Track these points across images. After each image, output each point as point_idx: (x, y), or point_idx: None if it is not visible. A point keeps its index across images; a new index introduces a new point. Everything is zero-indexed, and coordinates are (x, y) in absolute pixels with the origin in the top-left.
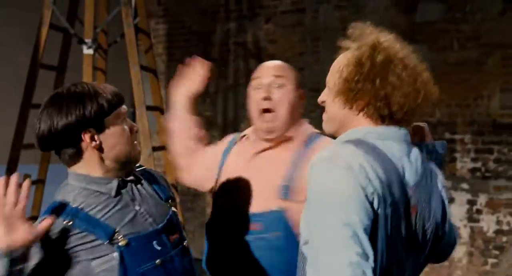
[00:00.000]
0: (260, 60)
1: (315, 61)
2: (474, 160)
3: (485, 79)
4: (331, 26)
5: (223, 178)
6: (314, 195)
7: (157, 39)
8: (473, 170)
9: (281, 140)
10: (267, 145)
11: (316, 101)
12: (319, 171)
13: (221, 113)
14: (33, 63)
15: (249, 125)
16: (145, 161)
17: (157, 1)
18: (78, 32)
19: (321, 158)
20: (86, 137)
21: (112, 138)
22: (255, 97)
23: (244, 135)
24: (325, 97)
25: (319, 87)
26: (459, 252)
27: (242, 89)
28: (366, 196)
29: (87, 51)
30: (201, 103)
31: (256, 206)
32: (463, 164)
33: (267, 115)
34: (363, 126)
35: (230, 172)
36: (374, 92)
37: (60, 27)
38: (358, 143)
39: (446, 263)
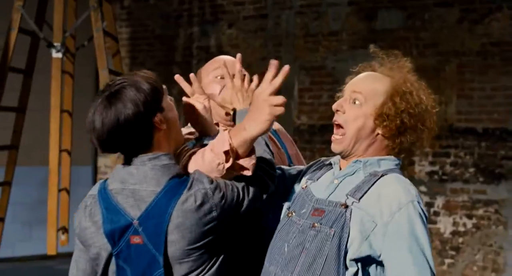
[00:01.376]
0: None
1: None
2: (431, 163)
3: (442, 86)
4: (293, 32)
5: None
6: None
7: (121, 42)
8: (430, 173)
9: None
10: None
11: None
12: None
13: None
14: (2, 66)
15: None
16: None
17: (120, 5)
18: (46, 35)
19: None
20: (157, 120)
21: (172, 118)
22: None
23: None
24: (347, 108)
25: (280, 90)
26: None
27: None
28: None
29: (56, 54)
30: None
31: None
32: (421, 167)
33: None
34: (393, 157)
35: None
36: (414, 130)
37: (29, 30)
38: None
39: None
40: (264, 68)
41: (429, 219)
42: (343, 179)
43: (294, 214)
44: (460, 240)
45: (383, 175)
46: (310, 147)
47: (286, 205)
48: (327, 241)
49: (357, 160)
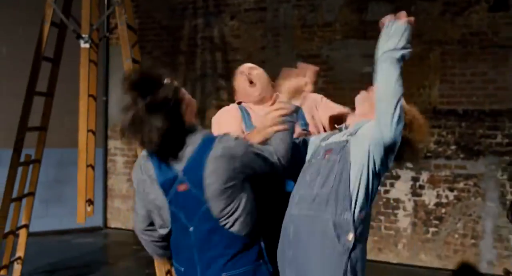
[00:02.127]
0: (226, 53)
1: (276, 55)
2: None
3: (426, 72)
4: (290, 23)
5: None
6: None
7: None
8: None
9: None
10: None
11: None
12: None
13: None
14: (37, 56)
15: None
16: None
17: None
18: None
19: None
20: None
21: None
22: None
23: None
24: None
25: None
26: (404, 222)
27: (209, 79)
28: None
29: (84, 45)
30: None
31: None
32: None
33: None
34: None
35: None
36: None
37: (57, 23)
38: None
39: (392, 232)
40: (263, 56)
41: (415, 192)
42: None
43: (312, 160)
44: (443, 210)
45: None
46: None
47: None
48: (335, 163)
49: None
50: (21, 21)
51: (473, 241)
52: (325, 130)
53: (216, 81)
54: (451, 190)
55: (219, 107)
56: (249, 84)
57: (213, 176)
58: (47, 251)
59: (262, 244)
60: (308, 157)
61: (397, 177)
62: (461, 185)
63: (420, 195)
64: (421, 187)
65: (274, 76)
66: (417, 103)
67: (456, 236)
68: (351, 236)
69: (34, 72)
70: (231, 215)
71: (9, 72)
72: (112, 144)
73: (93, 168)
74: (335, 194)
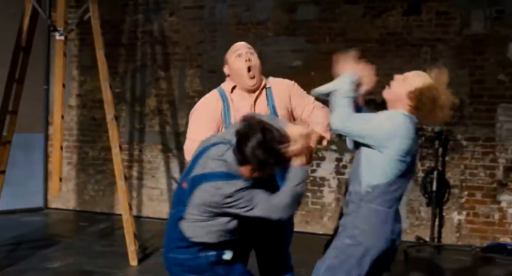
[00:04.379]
0: (165, 46)
1: (212, 49)
2: None
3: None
4: (226, 20)
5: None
6: None
7: (72, 26)
8: (339, 135)
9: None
10: (253, 94)
11: (213, 80)
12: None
13: (130, 90)
14: (17, 47)
15: (152, 101)
16: (110, 125)
17: None
18: (45, 21)
19: None
20: None
21: None
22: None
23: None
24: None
25: (215, 69)
26: (329, 198)
27: (149, 69)
28: None
29: (59, 37)
30: (112, 81)
31: None
32: None
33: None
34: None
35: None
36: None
37: (32, 16)
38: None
39: (319, 206)
40: (201, 50)
41: (338, 171)
42: None
43: None
44: None
45: None
46: None
47: None
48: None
49: None
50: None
51: None
52: (294, 119)
53: (156, 71)
54: None
55: (158, 96)
56: (247, 72)
57: (199, 197)
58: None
59: (221, 253)
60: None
61: (323, 158)
62: None
63: (343, 174)
64: (344, 166)
65: (210, 67)
66: None
67: None
68: (361, 207)
69: (14, 61)
70: (192, 222)
71: None
72: (52, 129)
73: (62, 148)
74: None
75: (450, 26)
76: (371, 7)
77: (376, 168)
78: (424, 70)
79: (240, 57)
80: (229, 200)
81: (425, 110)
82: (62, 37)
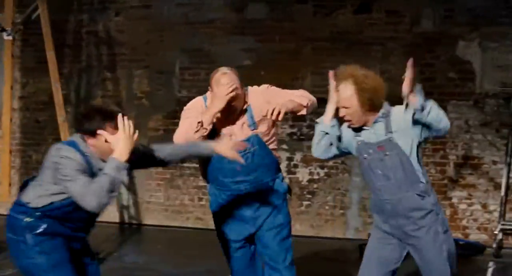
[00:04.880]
0: (111, 47)
1: (160, 49)
2: (291, 126)
3: (300, 65)
4: (173, 20)
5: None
6: None
7: (19, 25)
8: (291, 134)
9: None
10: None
11: (161, 80)
12: None
13: (75, 92)
14: None
15: (99, 102)
16: (62, 127)
17: None
18: None
19: None
20: None
21: None
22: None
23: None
24: (347, 112)
25: (163, 70)
26: None
27: (94, 70)
28: None
29: (7, 37)
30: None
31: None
32: (283, 129)
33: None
34: (381, 110)
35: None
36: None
37: None
38: None
39: None
40: (148, 50)
41: (290, 171)
42: (374, 126)
43: (366, 157)
44: (315, 186)
45: (391, 112)
46: None
47: (356, 153)
48: (396, 157)
49: (376, 119)
50: None
51: (341, 211)
52: (274, 124)
53: (102, 72)
54: (322, 168)
55: (105, 97)
56: (231, 103)
57: (46, 158)
58: None
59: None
60: (355, 153)
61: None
62: (330, 163)
63: (295, 173)
64: (295, 166)
65: (158, 67)
66: None
67: (327, 207)
68: (429, 196)
69: None
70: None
71: None
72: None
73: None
74: (407, 177)
75: (400, 25)
76: (321, 5)
77: None
78: (375, 69)
79: (225, 87)
80: (61, 160)
81: (377, 99)
82: (10, 37)
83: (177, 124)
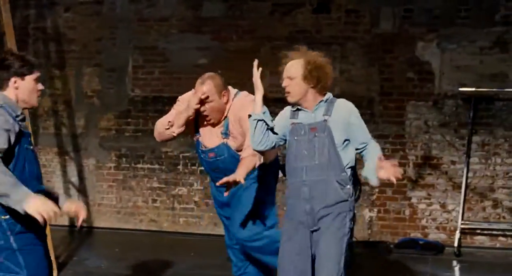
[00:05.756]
0: (60, 43)
1: (112, 46)
2: None
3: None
4: (126, 16)
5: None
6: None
7: None
8: None
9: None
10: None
11: (113, 79)
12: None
13: None
14: None
15: (47, 101)
16: None
17: None
18: None
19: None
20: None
21: None
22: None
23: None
24: (290, 83)
25: (115, 67)
26: None
27: (42, 68)
28: None
29: None
30: None
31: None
32: None
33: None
34: (327, 94)
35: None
36: (323, 78)
37: None
38: None
39: None
40: (100, 47)
41: None
42: (315, 111)
43: (297, 138)
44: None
45: (336, 101)
46: (143, 115)
47: (288, 136)
48: (325, 139)
49: (320, 101)
50: None
51: None
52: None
53: (50, 70)
54: None
55: (53, 96)
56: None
57: None
58: None
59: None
60: (288, 135)
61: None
62: None
63: None
64: None
65: (110, 65)
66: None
67: None
68: (348, 187)
69: None
70: None
71: None
72: None
73: None
74: (331, 161)
75: (359, 25)
76: (279, 4)
77: None
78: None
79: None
80: None
81: (324, 79)
82: None
83: (129, 124)
